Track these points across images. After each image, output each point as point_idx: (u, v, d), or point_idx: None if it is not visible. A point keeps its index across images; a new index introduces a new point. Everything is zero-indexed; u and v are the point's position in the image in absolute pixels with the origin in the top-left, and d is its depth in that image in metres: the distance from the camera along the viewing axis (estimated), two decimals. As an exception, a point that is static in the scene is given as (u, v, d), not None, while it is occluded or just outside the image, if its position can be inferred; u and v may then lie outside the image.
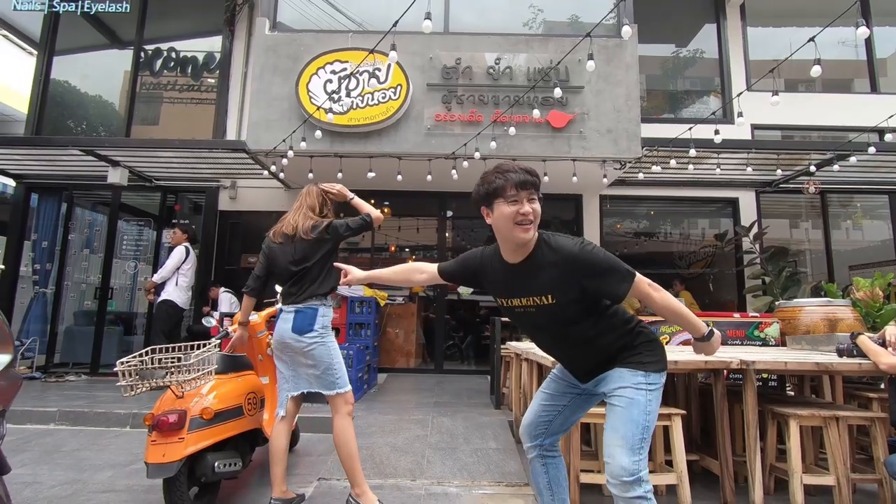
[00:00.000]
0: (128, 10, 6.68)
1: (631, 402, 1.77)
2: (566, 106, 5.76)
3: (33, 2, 6.46)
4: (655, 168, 5.49)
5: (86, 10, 6.73)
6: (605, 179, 5.86)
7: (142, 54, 8.11)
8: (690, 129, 4.96)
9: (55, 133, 7.63)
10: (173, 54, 8.15)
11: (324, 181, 6.19)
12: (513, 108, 5.55)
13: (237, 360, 2.97)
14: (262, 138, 5.68)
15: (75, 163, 6.54)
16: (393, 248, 8.97)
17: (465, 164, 5.35)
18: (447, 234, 7.86)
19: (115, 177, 6.43)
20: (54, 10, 6.62)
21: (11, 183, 7.44)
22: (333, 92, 5.66)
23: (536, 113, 4.90)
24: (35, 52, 8.12)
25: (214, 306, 6.67)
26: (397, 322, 7.19)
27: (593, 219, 7.37)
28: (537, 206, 1.74)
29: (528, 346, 3.91)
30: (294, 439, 3.83)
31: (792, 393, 4.11)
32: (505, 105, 5.66)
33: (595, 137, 5.71)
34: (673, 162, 5.26)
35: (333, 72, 5.75)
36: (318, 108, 5.38)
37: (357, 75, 5.69)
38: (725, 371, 3.04)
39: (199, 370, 2.56)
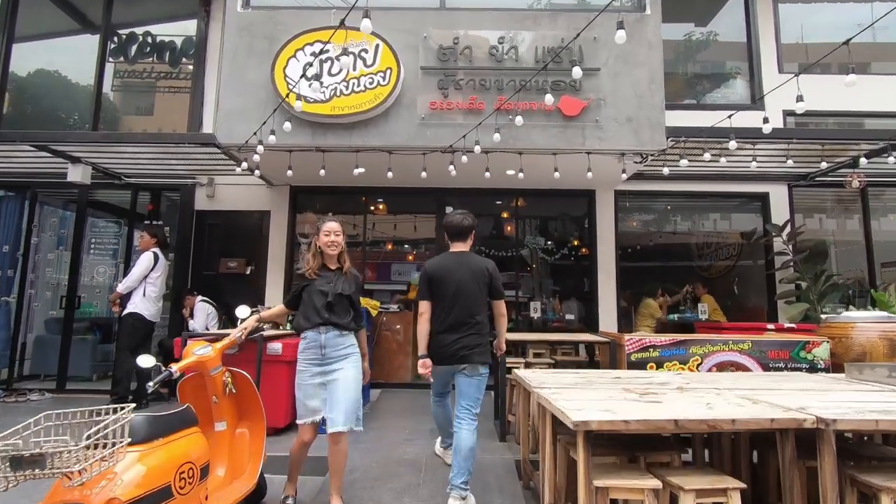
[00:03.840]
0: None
1: None
2: (580, 91, 5.05)
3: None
4: (684, 162, 4.78)
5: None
6: (623, 175, 5.16)
7: (115, 39, 7.45)
8: (731, 116, 4.25)
9: (18, 127, 6.98)
10: (149, 39, 7.47)
11: (305, 178, 5.68)
12: (519, 94, 4.84)
13: (168, 421, 2.33)
14: (236, 130, 5.00)
15: (33, 160, 5.89)
16: (390, 246, 8.33)
17: (465, 158, 4.67)
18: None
19: (76, 175, 5.78)
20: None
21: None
22: (314, 77, 4.97)
23: (549, 99, 4.16)
24: (-5, 37, 7.43)
25: (190, 317, 6.05)
26: (392, 333, 6.57)
27: (607, 216, 6.67)
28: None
29: (540, 379, 3.22)
30: (260, 494, 3.20)
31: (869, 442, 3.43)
32: (510, 90, 4.96)
33: (613, 127, 5.00)
34: (707, 155, 4.55)
35: (314, 54, 5.05)
36: (295, 93, 4.70)
37: (341, 58, 4.99)
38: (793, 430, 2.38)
39: (104, 448, 1.91)
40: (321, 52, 5.05)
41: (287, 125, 4.07)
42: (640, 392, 2.75)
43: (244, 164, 5.05)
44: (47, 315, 7.22)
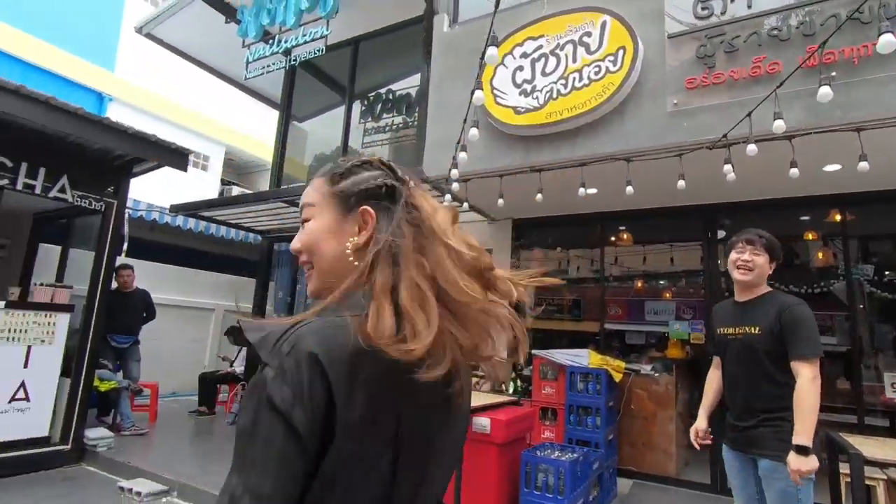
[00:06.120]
0: (322, 52, 6.53)
1: None
2: (982, 1, 2.79)
3: (258, 69, 6.89)
4: None
5: (292, 62, 6.86)
6: None
7: (364, 102, 8.22)
8: None
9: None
10: (391, 95, 8.02)
11: (526, 208, 4.74)
12: (839, 37, 2.90)
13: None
14: (442, 161, 4.41)
15: (294, 216, 6.57)
16: (640, 285, 6.65)
17: (752, 147, 2.93)
18: (718, 262, 5.11)
19: (320, 226, 6.16)
20: (268, 70, 6.93)
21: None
22: (525, 81, 4.04)
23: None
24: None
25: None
26: (647, 402, 4.89)
27: None
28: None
29: None
30: None
31: None
32: (821, 35, 3.06)
33: None
34: None
35: (524, 55, 4.14)
36: (493, 97, 3.83)
37: (557, 51, 3.95)
38: None
39: None
40: (534, 51, 4.11)
41: (474, 132, 3.19)
42: None
43: (447, 196, 4.40)
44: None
